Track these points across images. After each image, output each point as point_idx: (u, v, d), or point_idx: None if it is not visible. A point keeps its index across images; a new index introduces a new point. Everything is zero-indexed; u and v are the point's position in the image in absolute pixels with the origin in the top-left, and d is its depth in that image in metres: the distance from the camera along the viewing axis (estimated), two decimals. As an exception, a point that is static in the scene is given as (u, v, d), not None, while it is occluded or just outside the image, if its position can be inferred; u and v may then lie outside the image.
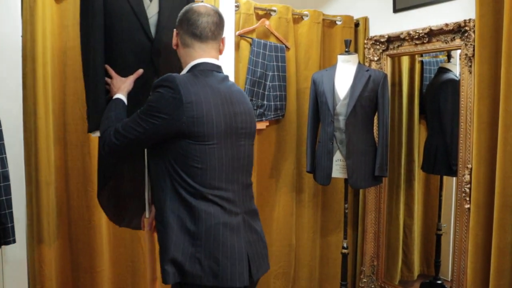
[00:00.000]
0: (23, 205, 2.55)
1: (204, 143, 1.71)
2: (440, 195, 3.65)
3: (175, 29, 1.87)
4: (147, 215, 2.17)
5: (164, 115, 1.67)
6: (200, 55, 1.81)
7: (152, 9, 2.08)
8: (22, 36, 2.48)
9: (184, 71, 1.84)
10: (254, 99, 3.17)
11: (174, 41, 1.89)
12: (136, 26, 2.03)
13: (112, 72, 2.01)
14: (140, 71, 2.01)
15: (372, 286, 3.62)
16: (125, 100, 1.93)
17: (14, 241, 2.32)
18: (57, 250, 2.67)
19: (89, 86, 2.07)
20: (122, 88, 1.95)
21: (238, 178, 1.83)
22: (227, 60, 2.91)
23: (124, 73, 2.06)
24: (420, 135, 3.77)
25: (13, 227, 2.32)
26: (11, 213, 2.32)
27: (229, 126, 1.76)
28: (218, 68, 1.85)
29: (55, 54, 2.62)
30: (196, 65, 1.80)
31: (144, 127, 1.69)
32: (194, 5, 1.87)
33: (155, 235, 1.91)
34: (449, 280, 3.70)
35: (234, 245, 1.75)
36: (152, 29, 2.06)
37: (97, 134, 2.03)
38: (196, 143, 1.70)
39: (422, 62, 3.71)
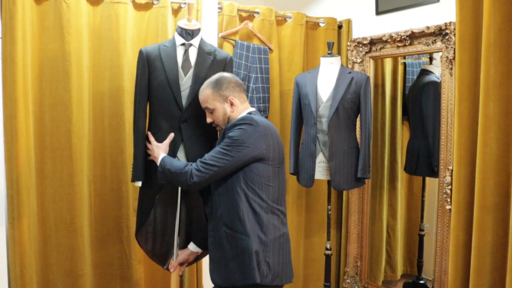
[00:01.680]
0: (4, 209, 2.53)
1: (274, 166, 2.22)
2: (423, 196, 3.67)
3: (229, 97, 2.29)
4: (174, 258, 2.56)
5: (248, 145, 2.14)
6: (249, 106, 2.40)
7: (186, 82, 2.48)
8: (1, 38, 2.45)
9: (240, 117, 2.29)
10: (237, 101, 3.17)
11: (227, 108, 2.31)
12: (170, 97, 2.45)
13: (151, 138, 2.47)
14: (172, 135, 2.46)
15: (356, 287, 3.64)
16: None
17: (-7, 246, 2.30)
18: (38, 254, 2.65)
19: (135, 145, 2.52)
20: (162, 151, 2.41)
21: (284, 197, 2.32)
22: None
23: (157, 137, 2.48)
24: (403, 136, 3.77)
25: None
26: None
27: (281, 154, 2.28)
28: (259, 113, 2.40)
29: (36, 56, 2.59)
30: (251, 112, 2.32)
31: (232, 155, 2.13)
32: (228, 73, 2.41)
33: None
34: (431, 279, 3.74)
35: (288, 251, 2.27)
36: (184, 100, 2.46)
37: (138, 184, 2.51)
38: (270, 166, 2.19)
39: (405, 64, 3.72)
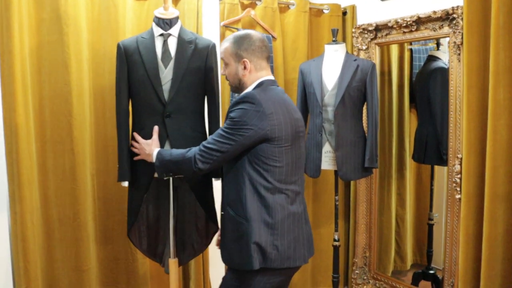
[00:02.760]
0: (6, 204, 2.50)
1: (281, 146, 2.05)
2: (432, 185, 3.62)
3: (244, 59, 2.13)
4: (171, 257, 2.54)
5: (251, 127, 1.99)
6: (267, 74, 2.18)
7: (167, 75, 2.38)
8: (-2, 31, 2.41)
9: (251, 87, 2.15)
10: (240, 91, 3.12)
11: (240, 69, 2.15)
12: (151, 92, 2.36)
13: (138, 138, 2.39)
14: (156, 128, 2.37)
15: (365, 278, 3.60)
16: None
17: (-5, 242, 2.27)
18: (42, 249, 2.63)
19: (119, 145, 2.46)
20: (155, 146, 2.33)
21: (300, 174, 2.18)
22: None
23: (140, 134, 2.40)
24: (410, 124, 3.73)
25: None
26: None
27: (293, 130, 2.10)
28: (275, 83, 2.21)
29: (34, 49, 2.55)
30: (262, 82, 2.14)
31: (234, 139, 2.01)
32: (257, 33, 2.21)
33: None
34: (441, 269, 3.70)
35: (300, 232, 2.13)
36: (166, 94, 2.37)
37: (124, 184, 2.46)
38: (275, 146, 2.04)
39: (411, 50, 3.66)
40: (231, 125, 2.02)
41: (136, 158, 2.40)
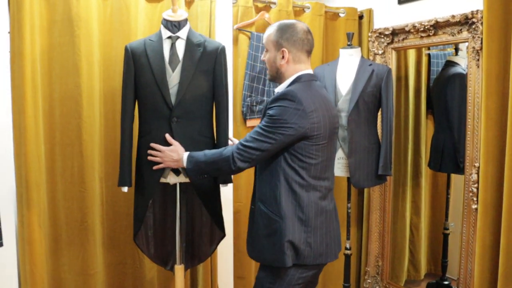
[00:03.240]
0: (14, 207, 2.49)
1: (318, 143, 2.03)
2: (448, 193, 3.54)
3: (284, 48, 2.07)
4: (177, 263, 2.51)
5: (291, 125, 1.96)
6: (306, 67, 2.12)
7: (174, 79, 2.33)
8: (9, 33, 2.40)
9: (287, 82, 2.11)
10: (253, 95, 3.07)
11: (278, 58, 2.10)
12: (157, 96, 2.31)
13: (159, 146, 2.31)
14: (168, 136, 2.31)
15: (377, 287, 3.52)
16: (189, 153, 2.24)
17: (1, 244, 2.24)
18: (48, 253, 2.61)
19: (121, 149, 2.42)
20: (181, 150, 2.27)
21: (331, 170, 2.18)
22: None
23: (148, 138, 2.37)
24: (427, 131, 3.65)
25: (0, 230, 2.24)
26: (-2, 215, 2.25)
27: (331, 127, 2.08)
28: (315, 77, 2.15)
29: (44, 51, 2.53)
30: (300, 76, 2.09)
31: (274, 138, 1.97)
32: (302, 24, 2.13)
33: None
34: (456, 279, 3.61)
35: (332, 228, 2.14)
36: (173, 98, 2.31)
37: (124, 189, 2.42)
38: (313, 144, 2.01)
39: (429, 55, 3.58)
40: (271, 123, 1.99)
41: (157, 167, 2.33)
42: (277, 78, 2.15)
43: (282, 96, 2.00)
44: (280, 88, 2.14)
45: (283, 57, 2.08)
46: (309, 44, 2.12)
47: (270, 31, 2.12)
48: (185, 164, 2.20)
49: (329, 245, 2.11)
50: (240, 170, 2.07)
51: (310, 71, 2.14)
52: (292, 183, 2.03)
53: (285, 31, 2.08)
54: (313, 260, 2.07)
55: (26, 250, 2.48)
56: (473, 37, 2.71)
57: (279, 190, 2.03)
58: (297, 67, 2.11)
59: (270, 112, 2.00)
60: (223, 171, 2.14)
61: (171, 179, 2.38)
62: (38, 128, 2.49)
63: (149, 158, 2.33)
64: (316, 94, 2.06)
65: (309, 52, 2.14)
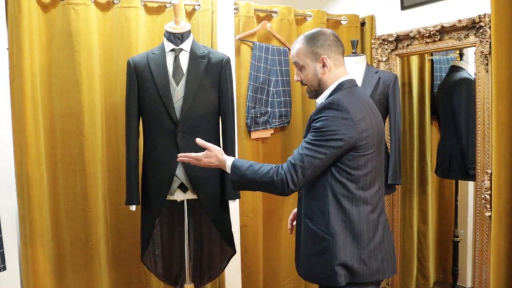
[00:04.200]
0: (16, 228, 2.43)
1: (367, 153, 1.88)
2: (456, 200, 3.49)
3: (323, 56, 1.94)
4: (187, 282, 2.45)
5: (341, 136, 1.81)
6: (345, 71, 2.00)
7: (178, 92, 2.28)
8: (8, 49, 2.34)
9: (329, 90, 1.96)
10: (257, 106, 3.02)
11: (319, 68, 1.96)
12: (162, 110, 2.26)
13: (194, 155, 2.05)
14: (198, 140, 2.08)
15: (387, 298, 3.46)
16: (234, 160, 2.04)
17: (4, 268, 2.17)
18: (52, 273, 2.56)
19: (128, 166, 2.37)
20: (219, 155, 2.04)
21: (381, 179, 2.01)
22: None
23: (153, 155, 2.31)
24: (432, 137, 3.61)
25: (3, 253, 2.17)
26: (1, 238, 2.17)
27: (378, 134, 1.93)
28: (355, 82, 2.01)
29: (44, 66, 2.49)
30: (343, 83, 1.95)
31: (325, 152, 1.82)
32: (327, 29, 2.02)
33: None
34: (467, 287, 3.56)
35: (387, 241, 1.98)
36: (178, 112, 2.26)
37: (132, 208, 2.39)
38: (361, 154, 1.87)
39: (432, 60, 3.55)
40: (320, 136, 1.83)
41: (196, 163, 2.08)
42: (319, 91, 2.00)
43: (327, 106, 1.86)
44: (322, 98, 1.99)
45: (324, 65, 1.95)
46: (342, 46, 2.02)
47: (299, 45, 1.98)
48: (229, 172, 2.01)
49: (385, 259, 1.96)
50: (292, 192, 1.91)
51: (350, 76, 2.01)
52: (341, 198, 1.89)
53: (316, 39, 1.96)
54: (370, 277, 1.91)
55: (29, 271, 2.43)
56: (481, 42, 2.66)
57: (327, 206, 1.89)
58: (338, 72, 1.98)
59: (317, 124, 1.85)
60: (273, 192, 1.96)
61: (179, 195, 2.32)
62: (39, 146, 2.44)
63: (182, 160, 2.10)
64: (361, 101, 1.93)
65: (343, 54, 2.03)
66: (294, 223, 2.22)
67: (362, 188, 1.90)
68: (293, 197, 3.20)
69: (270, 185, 1.90)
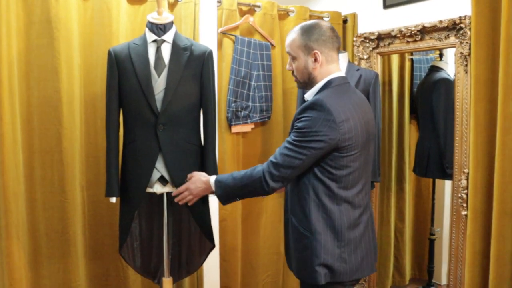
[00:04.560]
0: (-10, 218, 2.37)
1: (350, 154, 1.87)
2: (433, 199, 3.54)
3: (315, 51, 1.92)
4: (165, 276, 2.42)
5: (322, 137, 1.80)
6: (337, 67, 1.98)
7: (160, 84, 2.24)
8: (-15, 35, 2.28)
9: (318, 86, 1.95)
10: (238, 100, 3.01)
11: (310, 62, 1.94)
12: (143, 102, 2.22)
13: (180, 189, 2.20)
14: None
15: (363, 294, 3.49)
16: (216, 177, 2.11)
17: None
18: (28, 266, 2.50)
19: (108, 157, 2.31)
20: (203, 178, 2.16)
21: (366, 178, 2.01)
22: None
23: (133, 146, 2.28)
24: (411, 136, 3.65)
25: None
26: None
27: (364, 134, 1.91)
28: (346, 80, 1.99)
29: (22, 54, 2.43)
30: (331, 81, 1.93)
31: (305, 153, 1.83)
32: (325, 22, 2.00)
33: None
34: (442, 284, 3.62)
35: (368, 239, 1.99)
36: (158, 104, 2.23)
37: (112, 200, 2.32)
38: (343, 155, 1.85)
39: (412, 60, 3.59)
40: (301, 137, 1.84)
41: (191, 202, 2.20)
42: (308, 84, 1.99)
43: (310, 106, 1.85)
44: (310, 94, 1.98)
45: (315, 59, 1.93)
46: (338, 41, 1.99)
47: (294, 36, 1.97)
48: (213, 190, 2.09)
49: (365, 258, 1.96)
50: (274, 190, 1.94)
51: (341, 73, 1.99)
52: (322, 197, 1.89)
53: (312, 32, 1.93)
54: (349, 276, 1.92)
55: (4, 263, 2.38)
56: (461, 43, 2.69)
57: (309, 204, 1.90)
58: (330, 68, 1.95)
59: (299, 125, 1.86)
60: (256, 193, 2.00)
61: (158, 188, 2.29)
62: (15, 135, 2.39)
63: (180, 202, 2.21)
64: (347, 100, 1.91)
65: (338, 50, 2.01)
66: None
67: (344, 187, 1.90)
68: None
69: (250, 185, 1.95)
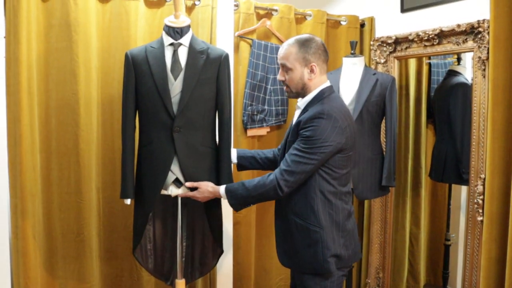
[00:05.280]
0: (7, 218, 2.41)
1: (348, 154, 2.14)
2: (449, 204, 3.50)
3: (313, 64, 2.12)
4: (178, 277, 2.45)
5: (331, 143, 2.03)
6: (326, 79, 2.20)
7: (176, 87, 2.25)
8: (5, 37, 2.32)
9: (312, 95, 2.16)
10: (254, 103, 3.01)
11: (306, 73, 2.14)
12: (159, 105, 2.24)
13: (188, 194, 2.31)
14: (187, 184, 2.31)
15: (377, 299, 3.47)
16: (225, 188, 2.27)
17: (-5, 258, 2.16)
18: (43, 266, 2.53)
19: (124, 159, 2.32)
20: (210, 188, 2.29)
21: (350, 175, 2.27)
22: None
23: (149, 148, 2.30)
24: (427, 140, 3.61)
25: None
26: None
27: (354, 136, 2.17)
28: (333, 89, 2.21)
29: (41, 56, 2.46)
30: (324, 91, 2.15)
31: (316, 158, 2.04)
32: (316, 37, 2.18)
33: None
34: (457, 290, 3.58)
35: (356, 229, 2.26)
36: (175, 107, 2.24)
37: (127, 201, 2.34)
38: (344, 155, 2.12)
39: (430, 64, 3.55)
40: (311, 144, 2.03)
41: (198, 198, 2.32)
42: (300, 94, 2.19)
43: (318, 116, 2.04)
44: (304, 102, 2.18)
45: (311, 71, 2.13)
46: (328, 54, 2.20)
47: (292, 49, 2.14)
48: (226, 199, 2.24)
49: (357, 245, 2.24)
50: (286, 194, 2.13)
51: (329, 83, 2.20)
52: (327, 194, 2.11)
53: (309, 46, 2.13)
54: (351, 261, 2.21)
55: (20, 262, 2.40)
56: (479, 47, 2.67)
57: (316, 202, 2.10)
58: (321, 79, 2.17)
59: (307, 133, 2.05)
60: (269, 199, 2.20)
61: (173, 190, 2.31)
62: (34, 136, 2.42)
63: (190, 195, 2.34)
64: (341, 108, 2.13)
65: (327, 62, 2.21)
66: None
67: (343, 184, 2.17)
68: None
69: (264, 194, 2.13)
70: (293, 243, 2.17)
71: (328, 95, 2.15)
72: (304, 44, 2.13)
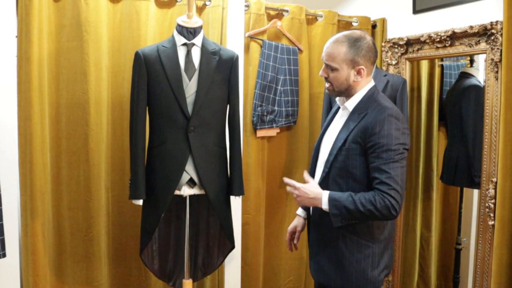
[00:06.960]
0: (17, 215, 2.42)
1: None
2: (460, 208, 3.46)
3: (361, 67, 1.93)
4: (185, 278, 2.43)
5: (407, 146, 1.90)
6: (371, 78, 2.03)
7: (190, 88, 2.27)
8: (16, 36, 2.34)
9: (359, 96, 1.98)
10: (264, 104, 3.00)
11: (352, 75, 1.96)
12: (174, 105, 2.23)
13: (293, 182, 2.00)
14: (305, 174, 2.06)
15: (387, 303, 3.44)
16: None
17: (4, 255, 2.17)
18: (52, 263, 2.55)
19: (134, 159, 2.31)
20: (317, 189, 1.97)
21: None
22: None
23: (162, 148, 2.28)
24: (439, 143, 3.58)
25: (3, 240, 2.18)
26: (1, 225, 2.17)
27: None
28: (377, 88, 2.05)
29: (52, 55, 2.49)
30: (373, 91, 1.99)
31: (404, 163, 1.88)
32: (367, 35, 1.97)
33: None
34: (468, 295, 3.54)
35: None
36: (190, 108, 2.24)
37: (138, 202, 2.32)
38: None
39: (442, 66, 3.51)
40: (399, 153, 1.85)
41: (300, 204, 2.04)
42: (344, 93, 2.00)
43: (389, 118, 1.87)
44: (352, 103, 1.98)
45: (359, 73, 1.95)
46: (377, 54, 2.02)
47: (339, 49, 1.93)
48: (326, 207, 1.91)
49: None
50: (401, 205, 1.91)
51: (373, 82, 2.03)
52: None
53: (360, 47, 1.93)
54: (391, 265, 2.10)
55: (29, 260, 2.42)
56: (492, 49, 2.63)
57: None
58: (367, 80, 2.00)
59: (384, 140, 1.84)
60: (376, 219, 1.92)
61: (186, 190, 2.30)
62: (44, 135, 2.44)
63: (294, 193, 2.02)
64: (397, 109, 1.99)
65: (375, 63, 2.05)
66: (295, 240, 2.31)
67: None
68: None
69: (374, 212, 1.83)
70: (339, 259, 1.98)
71: (378, 94, 1.99)
72: (354, 44, 1.92)
